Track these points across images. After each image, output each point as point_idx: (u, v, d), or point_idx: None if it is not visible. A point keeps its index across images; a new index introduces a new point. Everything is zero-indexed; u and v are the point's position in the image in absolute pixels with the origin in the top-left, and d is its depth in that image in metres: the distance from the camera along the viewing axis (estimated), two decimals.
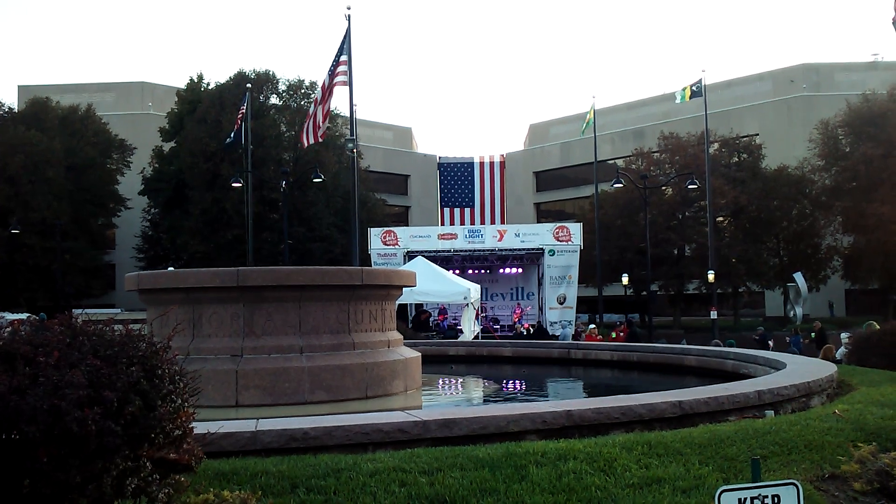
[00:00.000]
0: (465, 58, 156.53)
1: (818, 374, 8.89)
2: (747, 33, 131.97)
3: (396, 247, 36.52)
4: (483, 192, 63.01)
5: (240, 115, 34.48)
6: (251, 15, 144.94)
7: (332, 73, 25.62)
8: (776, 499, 3.82)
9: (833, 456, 5.77)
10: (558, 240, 36.54)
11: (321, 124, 26.45)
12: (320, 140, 28.43)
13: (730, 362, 12.52)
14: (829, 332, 28.52)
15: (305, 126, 27.58)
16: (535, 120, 78.98)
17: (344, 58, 25.62)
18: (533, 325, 34.46)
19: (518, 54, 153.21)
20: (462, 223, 58.06)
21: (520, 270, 39.12)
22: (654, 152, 49.44)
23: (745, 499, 3.78)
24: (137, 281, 10.26)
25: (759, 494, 3.78)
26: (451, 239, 37.44)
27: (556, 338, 30.12)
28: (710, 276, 35.96)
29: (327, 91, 25.93)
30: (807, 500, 4.35)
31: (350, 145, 27.33)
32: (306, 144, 29.43)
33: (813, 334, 27.40)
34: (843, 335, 20.11)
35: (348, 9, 26.07)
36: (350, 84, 26.04)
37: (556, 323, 34.74)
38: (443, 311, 34.22)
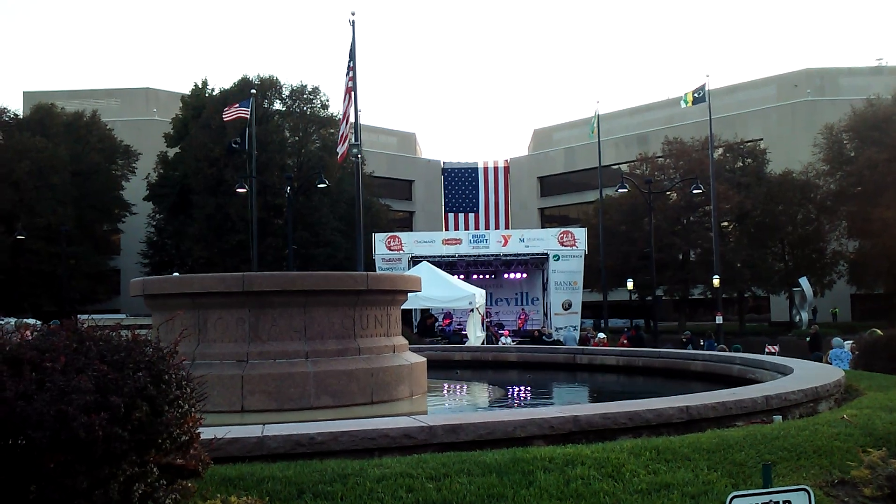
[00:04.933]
0: (470, 63, 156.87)
1: (826, 378, 8.84)
2: (751, 38, 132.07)
3: (401, 252, 36.47)
4: (487, 198, 63.05)
5: (235, 113, 34.22)
6: (256, 21, 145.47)
7: (349, 79, 25.84)
8: None
9: (842, 461, 5.73)
10: (563, 245, 36.43)
11: (345, 133, 27.10)
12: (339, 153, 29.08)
13: (736, 367, 12.46)
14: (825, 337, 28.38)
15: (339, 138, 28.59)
16: (538, 125, 79.04)
17: (350, 63, 25.71)
18: (520, 332, 33.98)
19: (522, 60, 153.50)
20: (466, 228, 58.14)
21: (524, 276, 39.01)
22: (659, 157, 49.41)
23: None
24: (143, 286, 10.24)
25: (771, 500, 3.76)
26: (456, 244, 37.37)
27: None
28: (716, 281, 35.87)
29: (347, 101, 26.19)
30: None
31: (354, 150, 27.39)
32: (341, 159, 30.79)
33: (808, 338, 27.33)
34: (835, 339, 19.85)
35: (353, 14, 26.16)
36: (354, 89, 26.12)
37: (561, 329, 34.64)
38: (448, 315, 34.14)
